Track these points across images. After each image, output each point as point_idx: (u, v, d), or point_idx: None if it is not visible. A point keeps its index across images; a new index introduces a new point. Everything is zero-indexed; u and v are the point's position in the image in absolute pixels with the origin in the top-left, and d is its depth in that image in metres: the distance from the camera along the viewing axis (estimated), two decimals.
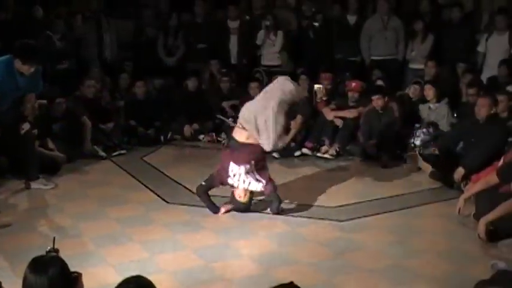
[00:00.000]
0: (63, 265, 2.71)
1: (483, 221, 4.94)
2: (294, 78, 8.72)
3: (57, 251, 2.99)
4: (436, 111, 7.48)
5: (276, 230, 5.35)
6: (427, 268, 4.59)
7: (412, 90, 8.02)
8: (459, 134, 6.51)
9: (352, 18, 9.29)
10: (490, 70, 8.20)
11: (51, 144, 7.06)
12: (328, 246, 4.98)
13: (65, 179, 6.75)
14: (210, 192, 5.71)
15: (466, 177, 6.05)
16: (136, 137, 8.12)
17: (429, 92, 7.56)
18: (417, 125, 7.34)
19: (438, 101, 7.52)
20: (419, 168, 6.91)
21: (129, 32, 9.59)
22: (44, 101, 7.26)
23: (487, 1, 8.85)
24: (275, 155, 7.63)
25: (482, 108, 6.14)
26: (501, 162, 5.51)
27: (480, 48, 8.41)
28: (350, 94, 7.89)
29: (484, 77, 8.13)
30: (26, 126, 6.20)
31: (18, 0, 8.87)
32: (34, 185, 6.39)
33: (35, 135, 6.62)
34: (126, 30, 9.52)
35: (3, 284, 3.91)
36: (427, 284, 4.37)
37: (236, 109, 8.46)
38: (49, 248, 3.00)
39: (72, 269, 2.80)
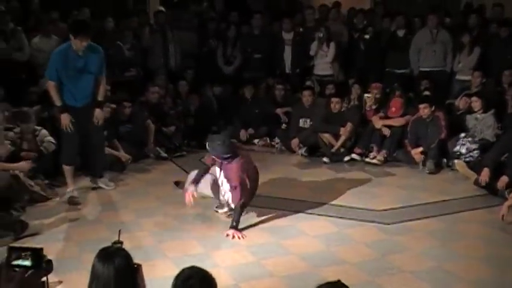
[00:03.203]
0: (127, 256, 2.77)
1: None
2: (346, 87, 8.76)
3: (121, 242, 3.07)
4: (482, 122, 7.32)
5: (324, 230, 5.34)
6: (468, 272, 4.51)
7: (462, 102, 7.85)
8: (503, 148, 6.33)
9: (401, 32, 9.21)
10: None
11: (118, 145, 7.24)
12: (373, 248, 4.95)
13: (130, 177, 6.91)
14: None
15: (510, 185, 5.90)
16: (195, 140, 8.25)
17: (476, 103, 7.41)
18: (463, 134, 7.20)
19: (485, 111, 7.36)
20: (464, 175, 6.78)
21: (193, 43, 9.72)
22: (113, 105, 7.45)
23: None
24: (325, 159, 7.63)
25: None
26: None
27: None
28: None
29: None
30: (98, 114, 6.10)
31: (92, 13, 9.13)
32: (97, 182, 6.56)
33: (105, 136, 6.77)
34: (190, 41, 9.66)
35: (71, 272, 4.04)
36: (467, 287, 4.29)
37: (289, 115, 8.53)
38: (115, 240, 3.08)
39: (133, 261, 2.87)
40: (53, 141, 6.50)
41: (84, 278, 2.84)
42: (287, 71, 9.52)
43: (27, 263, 2.68)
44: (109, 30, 9.03)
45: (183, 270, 2.61)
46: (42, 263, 2.73)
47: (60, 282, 4.21)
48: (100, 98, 6.15)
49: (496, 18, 9.09)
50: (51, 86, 5.87)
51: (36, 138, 6.45)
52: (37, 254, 2.70)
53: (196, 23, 10.00)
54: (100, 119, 6.16)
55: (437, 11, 9.16)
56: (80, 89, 5.96)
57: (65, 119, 5.91)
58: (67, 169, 6.11)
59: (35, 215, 5.56)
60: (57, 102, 5.90)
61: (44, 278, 2.87)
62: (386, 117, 7.79)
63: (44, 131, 6.55)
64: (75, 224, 5.47)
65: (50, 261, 2.88)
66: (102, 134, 6.50)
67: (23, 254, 2.68)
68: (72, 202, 5.95)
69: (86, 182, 6.63)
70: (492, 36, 8.83)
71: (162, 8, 10.18)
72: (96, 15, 9.20)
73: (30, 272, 2.63)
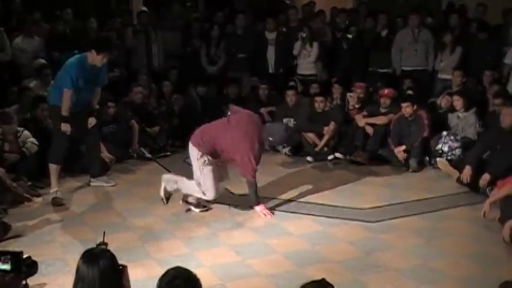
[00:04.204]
0: (112, 257, 2.76)
1: (508, 224, 4.87)
2: (328, 86, 8.78)
3: (106, 244, 3.05)
4: (464, 120, 7.37)
5: (309, 229, 5.34)
6: (452, 269, 4.53)
7: (444, 101, 7.89)
8: (484, 146, 6.38)
9: (383, 31, 9.24)
10: None
11: (101, 146, 7.17)
12: (358, 246, 4.96)
13: (114, 178, 6.84)
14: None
15: (491, 183, 5.95)
16: (180, 140, 8.20)
17: (458, 102, 7.44)
18: (445, 133, 7.25)
19: (466, 110, 7.41)
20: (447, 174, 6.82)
21: (177, 43, 9.68)
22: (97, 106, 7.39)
23: None
24: (309, 158, 7.64)
25: (506, 117, 6.07)
26: None
27: (507, 60, 8.22)
28: (382, 100, 7.79)
29: (510, 88, 7.96)
30: (92, 121, 6.32)
31: (75, 14, 9.06)
32: (95, 182, 6.54)
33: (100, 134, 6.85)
34: (174, 41, 9.61)
35: (56, 274, 3.99)
36: (452, 283, 4.32)
37: (273, 115, 8.52)
38: (99, 241, 3.06)
39: (119, 262, 2.85)
40: (36, 142, 6.44)
41: (69, 280, 2.81)
42: (270, 70, 9.52)
43: (7, 266, 2.65)
44: (92, 31, 8.96)
45: (168, 271, 2.60)
46: (22, 267, 2.69)
47: (44, 284, 4.17)
48: (95, 106, 6.38)
49: (478, 17, 9.14)
50: (68, 94, 5.93)
51: (18, 139, 6.38)
52: (17, 258, 2.66)
53: (181, 23, 9.96)
54: (92, 124, 6.38)
55: (419, 11, 9.21)
56: (83, 97, 6.12)
57: (66, 128, 5.98)
58: (53, 168, 6.07)
59: (18, 217, 5.51)
60: (65, 112, 5.96)
61: (25, 282, 2.84)
62: (370, 116, 7.81)
63: (27, 132, 6.48)
64: (59, 226, 5.42)
65: (34, 263, 2.84)
66: (97, 134, 6.60)
67: (2, 257, 2.65)
68: (56, 203, 5.90)
69: (70, 183, 6.59)
70: (473, 36, 8.89)
71: (145, 8, 10.13)
72: (79, 15, 9.13)
73: (10, 275, 2.60)
